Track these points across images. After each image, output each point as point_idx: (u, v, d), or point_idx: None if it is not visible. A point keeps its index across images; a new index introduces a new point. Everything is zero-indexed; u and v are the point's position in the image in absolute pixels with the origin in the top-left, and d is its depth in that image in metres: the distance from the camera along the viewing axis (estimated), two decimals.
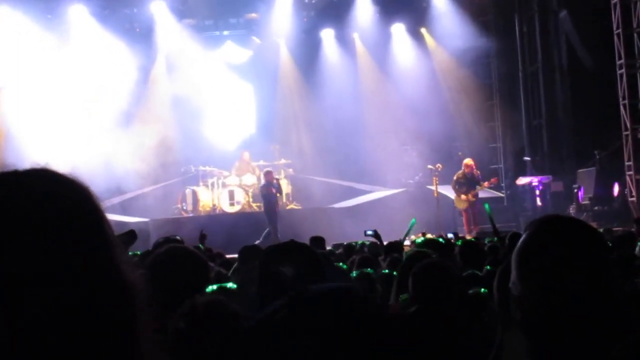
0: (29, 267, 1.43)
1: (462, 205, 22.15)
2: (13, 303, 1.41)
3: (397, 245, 10.90)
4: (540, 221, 2.55)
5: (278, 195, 21.98)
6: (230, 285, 5.69)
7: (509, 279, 2.51)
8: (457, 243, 10.56)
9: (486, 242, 12.35)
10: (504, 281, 2.55)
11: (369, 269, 7.49)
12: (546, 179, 24.00)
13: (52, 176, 1.57)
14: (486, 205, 15.02)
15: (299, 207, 24.79)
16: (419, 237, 17.12)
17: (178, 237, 8.44)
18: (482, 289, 6.28)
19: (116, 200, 23.96)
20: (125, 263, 1.56)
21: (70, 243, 1.47)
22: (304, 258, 3.67)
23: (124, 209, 23.99)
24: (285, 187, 23.94)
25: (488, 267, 8.23)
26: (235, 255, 9.41)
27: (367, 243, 12.66)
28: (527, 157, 26.38)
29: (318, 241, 12.04)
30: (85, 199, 1.56)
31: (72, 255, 1.47)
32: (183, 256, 4.02)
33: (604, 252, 2.45)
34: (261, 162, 25.05)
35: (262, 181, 22.41)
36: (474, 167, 22.32)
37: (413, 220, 15.40)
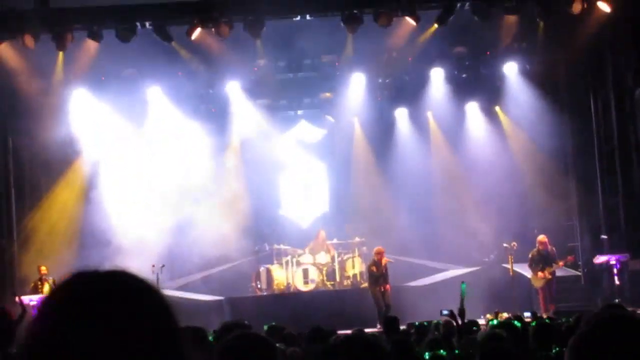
0: None
1: (538, 284, 21.85)
2: None
3: (472, 326, 10.81)
4: (598, 318, 2.52)
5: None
6: None
7: None
8: (532, 324, 10.43)
9: (563, 321, 12.17)
10: None
11: (441, 351, 7.43)
12: (624, 257, 23.57)
13: (132, 281, 1.64)
14: (463, 285, 14.68)
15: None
16: (492, 318, 16.96)
17: (245, 322, 8.43)
18: None
19: (192, 278, 24.17)
20: None
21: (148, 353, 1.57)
22: None
23: (199, 287, 24.16)
24: (359, 265, 23.94)
25: (557, 348, 8.08)
26: None
27: (441, 323, 12.51)
28: (603, 235, 25.97)
29: (392, 321, 11.96)
30: (163, 311, 1.65)
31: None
32: (253, 343, 4.01)
33: None
34: (335, 241, 25.09)
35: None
36: (547, 243, 22.01)
37: (463, 284, 15.12)
